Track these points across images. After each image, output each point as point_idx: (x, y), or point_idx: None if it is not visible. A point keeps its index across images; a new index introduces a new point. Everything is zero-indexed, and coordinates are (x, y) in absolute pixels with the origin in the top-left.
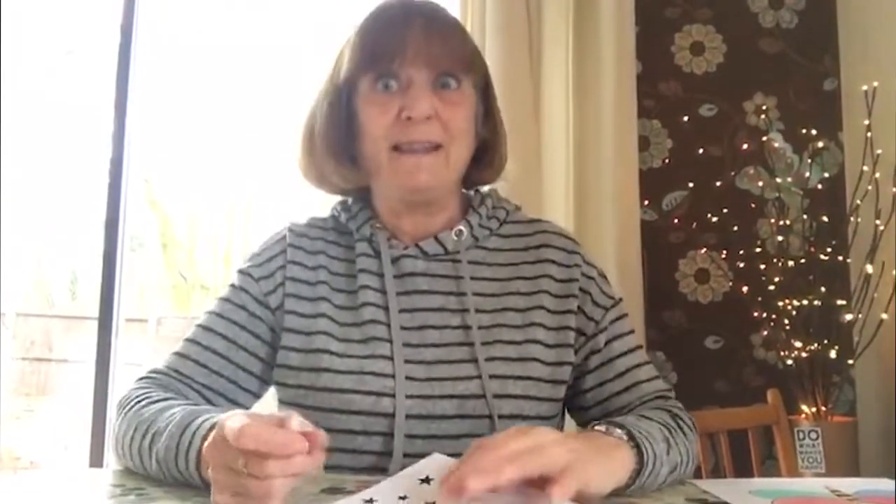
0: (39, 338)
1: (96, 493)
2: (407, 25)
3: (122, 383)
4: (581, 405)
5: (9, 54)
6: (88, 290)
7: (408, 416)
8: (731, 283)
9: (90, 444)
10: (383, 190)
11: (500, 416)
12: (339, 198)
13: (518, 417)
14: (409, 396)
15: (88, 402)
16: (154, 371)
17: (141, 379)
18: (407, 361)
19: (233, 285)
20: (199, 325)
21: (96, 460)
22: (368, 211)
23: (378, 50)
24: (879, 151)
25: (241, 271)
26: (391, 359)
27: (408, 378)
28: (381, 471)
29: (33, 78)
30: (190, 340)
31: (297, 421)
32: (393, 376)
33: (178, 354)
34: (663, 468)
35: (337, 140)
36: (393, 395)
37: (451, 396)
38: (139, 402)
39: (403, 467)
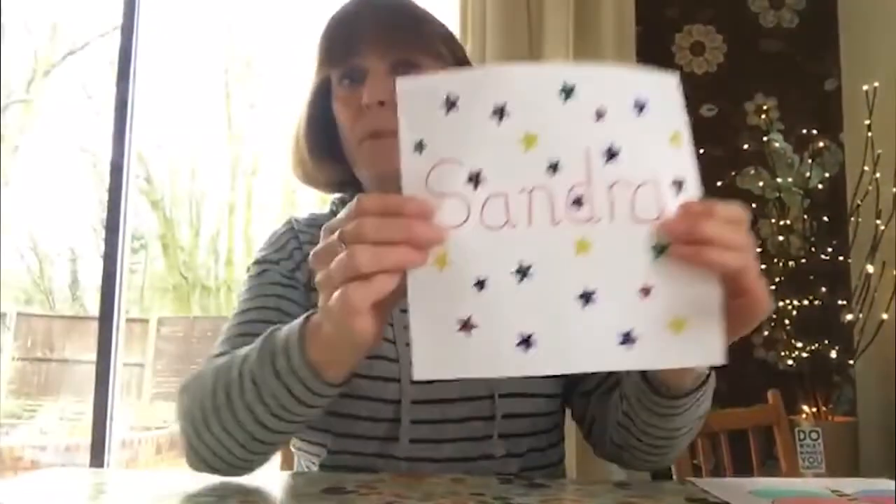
0: (40, 338)
1: (98, 494)
2: (357, 19)
3: (122, 383)
4: (584, 389)
5: (9, 54)
6: (89, 291)
7: (413, 402)
8: None
9: (91, 444)
10: (366, 184)
11: (500, 396)
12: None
13: (519, 396)
14: (413, 382)
15: (89, 402)
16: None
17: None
18: (408, 344)
19: (253, 276)
20: (234, 322)
21: (97, 460)
22: None
23: (332, 47)
24: (880, 151)
25: (257, 261)
26: (394, 342)
27: (411, 362)
28: (386, 457)
29: (34, 78)
30: (227, 335)
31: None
32: (397, 360)
33: (222, 342)
34: (708, 401)
35: (315, 137)
36: (398, 381)
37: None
38: (205, 371)
39: (409, 453)
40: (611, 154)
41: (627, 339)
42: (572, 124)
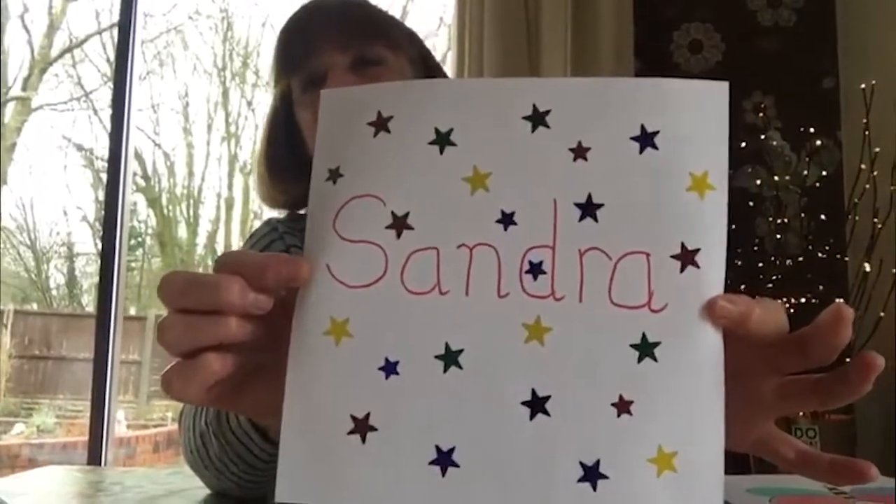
0: (38, 336)
1: (95, 492)
2: (310, 20)
3: (119, 381)
4: None
5: (10, 53)
6: (87, 288)
7: None
8: (728, 282)
9: (88, 442)
10: None
11: None
12: None
13: None
14: None
15: (86, 400)
16: None
17: None
18: None
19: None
20: None
21: (94, 458)
22: None
23: (288, 53)
24: (877, 149)
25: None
26: None
27: None
28: None
29: (31, 74)
30: None
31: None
32: None
33: None
34: None
35: (275, 153)
36: None
37: None
38: (187, 410)
39: None
40: (589, 207)
41: (592, 474)
42: (539, 163)
